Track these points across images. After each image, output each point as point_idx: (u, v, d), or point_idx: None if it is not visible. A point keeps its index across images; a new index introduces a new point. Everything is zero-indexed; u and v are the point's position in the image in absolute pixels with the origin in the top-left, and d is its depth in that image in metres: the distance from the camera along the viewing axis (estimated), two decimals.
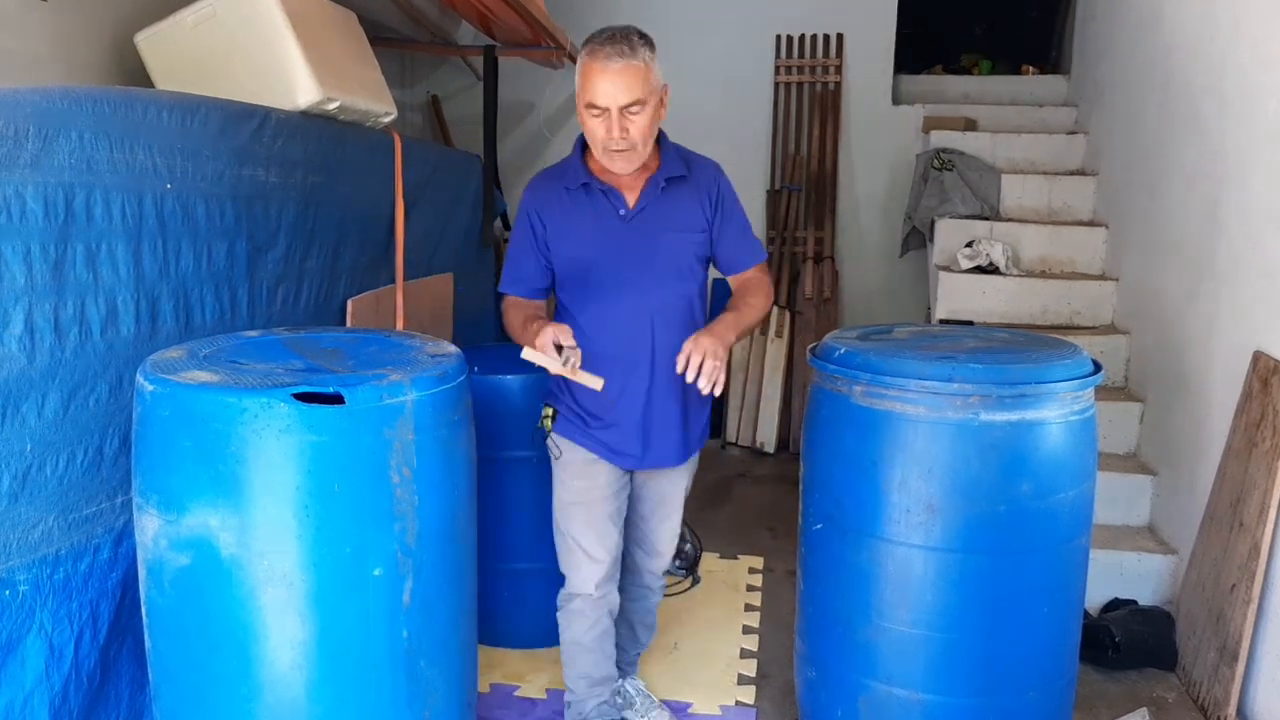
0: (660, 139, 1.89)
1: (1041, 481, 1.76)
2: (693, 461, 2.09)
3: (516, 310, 1.91)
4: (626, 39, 1.73)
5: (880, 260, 4.65)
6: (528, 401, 2.46)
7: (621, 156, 1.78)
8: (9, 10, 2.22)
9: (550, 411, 2.00)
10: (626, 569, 2.15)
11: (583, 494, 1.97)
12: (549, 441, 2.00)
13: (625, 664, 2.28)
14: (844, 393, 1.83)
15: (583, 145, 1.89)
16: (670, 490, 2.08)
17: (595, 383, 1.69)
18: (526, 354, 1.70)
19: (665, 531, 2.12)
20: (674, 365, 1.81)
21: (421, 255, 3.21)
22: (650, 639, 2.31)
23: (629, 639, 2.26)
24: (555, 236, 1.89)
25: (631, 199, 1.88)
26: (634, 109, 1.74)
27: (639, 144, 1.78)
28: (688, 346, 1.73)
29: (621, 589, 2.15)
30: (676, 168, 1.88)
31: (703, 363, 1.69)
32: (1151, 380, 3.00)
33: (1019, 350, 1.86)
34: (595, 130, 1.77)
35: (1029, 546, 1.79)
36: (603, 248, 1.87)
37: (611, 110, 1.73)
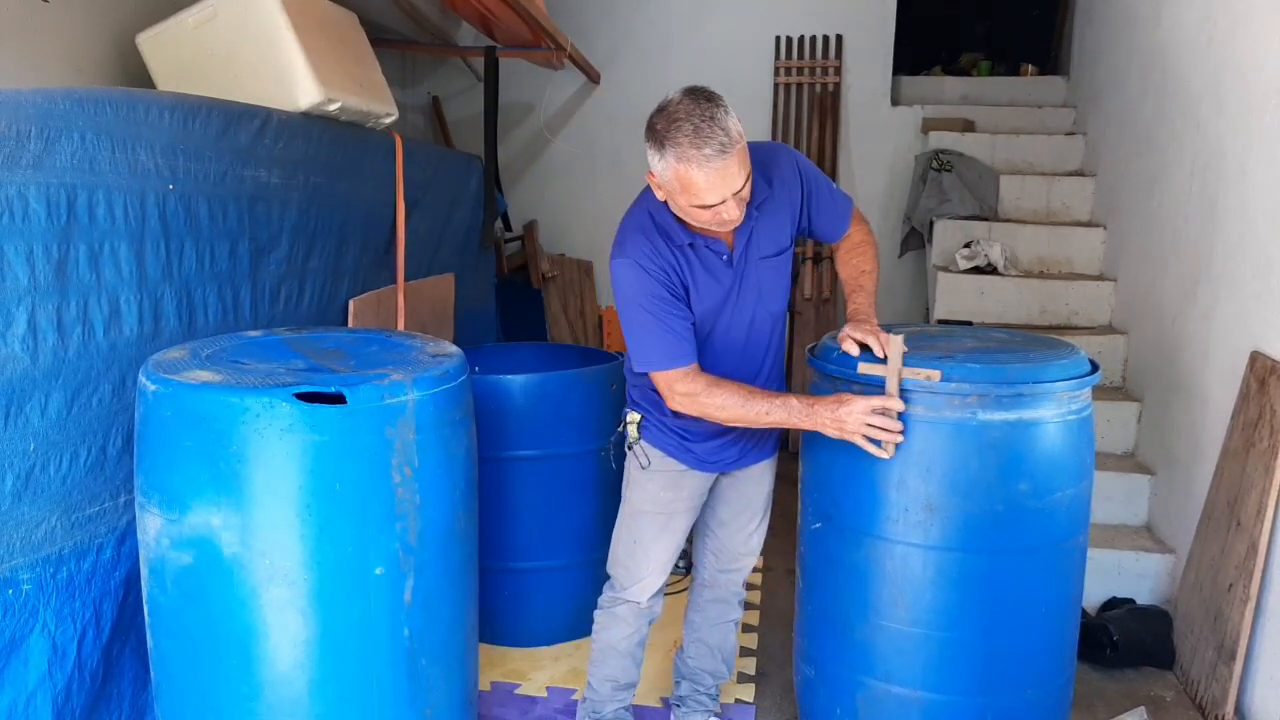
0: None
1: (1039, 481, 1.76)
2: (775, 464, 2.04)
3: (730, 391, 1.70)
4: (715, 121, 1.54)
5: (879, 261, 4.65)
6: (528, 401, 2.47)
7: (732, 223, 1.68)
8: (11, 11, 2.22)
9: (636, 418, 1.93)
10: (700, 584, 2.09)
11: (668, 505, 1.93)
12: (635, 449, 1.94)
13: (706, 696, 2.18)
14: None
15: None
16: (755, 491, 2.02)
17: (934, 374, 1.68)
18: (866, 369, 1.72)
19: (744, 538, 2.04)
20: (774, 372, 1.92)
21: (423, 256, 3.22)
22: (731, 667, 2.19)
23: (708, 668, 2.15)
24: (685, 293, 1.76)
25: (730, 241, 1.78)
26: (745, 185, 1.62)
27: (746, 204, 1.68)
28: (853, 334, 1.79)
29: (698, 608, 2.11)
30: (759, 191, 1.75)
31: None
32: (1149, 380, 3.01)
33: (1016, 350, 1.86)
34: (702, 217, 1.64)
35: (1027, 545, 1.79)
36: (721, 295, 1.78)
37: (727, 198, 1.60)
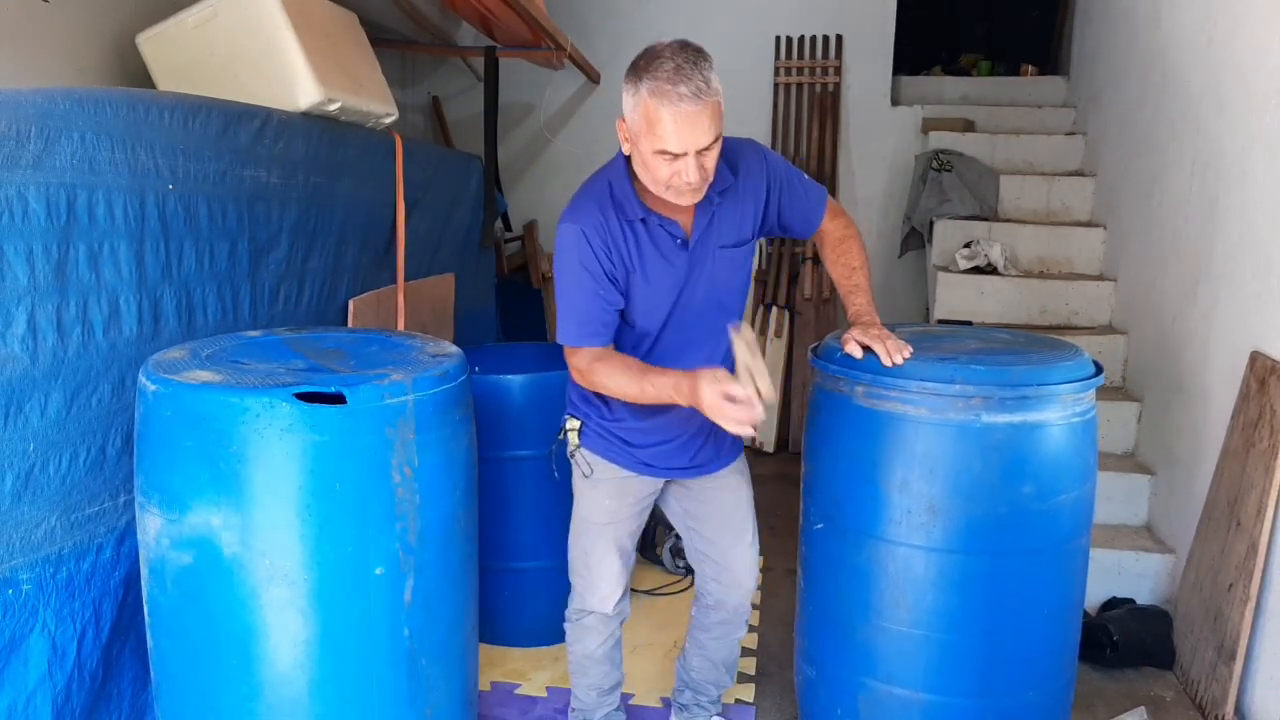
0: None
1: (1043, 483, 1.75)
2: (745, 469, 1.98)
3: (615, 366, 1.68)
4: (697, 68, 1.51)
5: (879, 261, 4.66)
6: (528, 401, 2.47)
7: (690, 193, 1.62)
8: (10, 11, 2.22)
9: (576, 424, 1.87)
10: (706, 606, 2.03)
11: (615, 514, 1.88)
12: (576, 457, 1.88)
13: (708, 702, 2.14)
14: (845, 394, 1.83)
15: (627, 169, 1.70)
16: (733, 504, 1.94)
17: (767, 389, 1.52)
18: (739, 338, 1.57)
19: (740, 554, 1.94)
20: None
21: (423, 256, 3.22)
22: (734, 675, 2.15)
23: (712, 679, 2.11)
24: (626, 273, 1.70)
25: (688, 224, 1.72)
26: (710, 148, 1.57)
27: (709, 179, 1.62)
28: (859, 338, 1.76)
29: (703, 628, 2.05)
30: (724, 178, 1.71)
31: (882, 345, 1.75)
32: (1149, 380, 3.01)
33: (1021, 352, 1.85)
34: (660, 172, 1.58)
35: (1030, 548, 1.78)
36: (671, 280, 1.71)
37: (689, 154, 1.55)
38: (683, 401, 1.61)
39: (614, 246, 1.67)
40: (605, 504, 1.87)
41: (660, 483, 1.92)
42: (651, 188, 1.64)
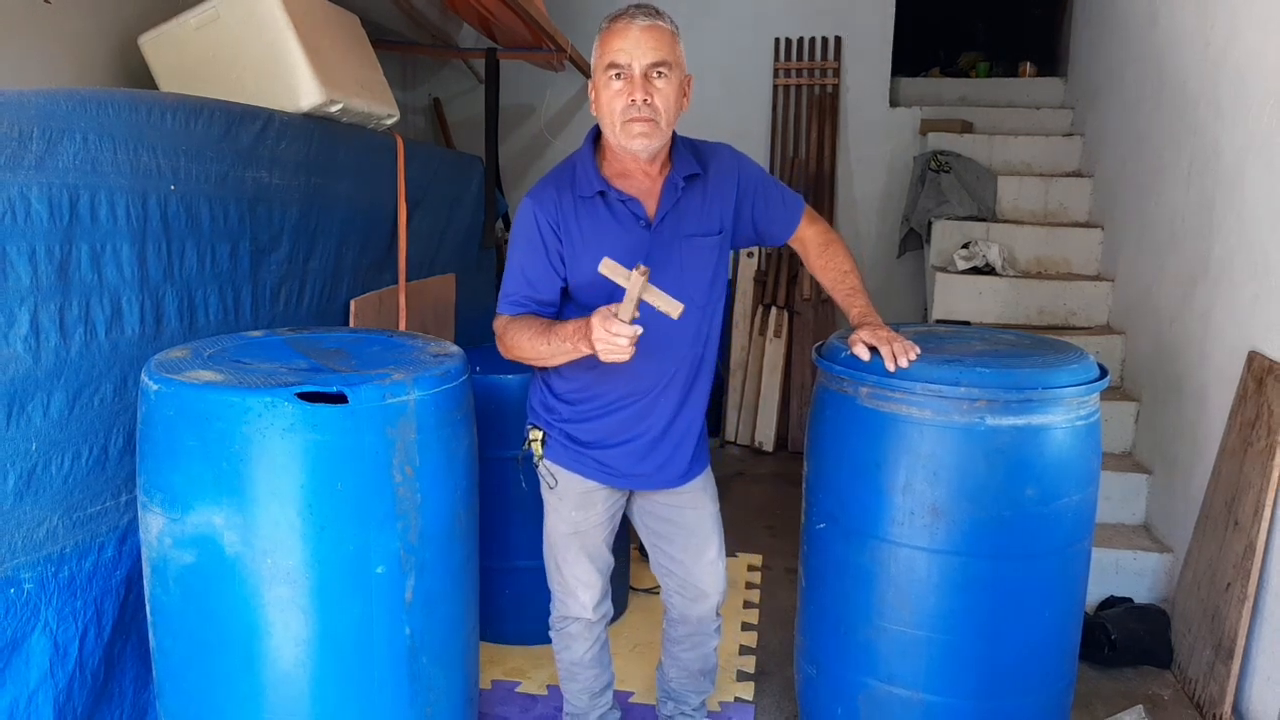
0: (672, 137, 1.73)
1: (1046, 486, 1.75)
2: (710, 483, 1.95)
3: (523, 326, 1.67)
4: (653, 6, 1.64)
5: (878, 261, 4.67)
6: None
7: (643, 129, 1.61)
8: (13, 12, 2.23)
9: (539, 434, 1.85)
10: (672, 619, 2.01)
11: (580, 524, 1.86)
12: (540, 468, 1.86)
13: (691, 710, 2.12)
14: (850, 394, 1.83)
15: (592, 147, 1.74)
16: (696, 520, 1.91)
17: (674, 308, 1.46)
18: (606, 267, 1.48)
19: (704, 569, 1.92)
20: (693, 377, 1.80)
21: (424, 256, 3.22)
22: (714, 681, 2.11)
23: (691, 688, 2.08)
24: (574, 253, 1.69)
25: (651, 207, 1.72)
26: (660, 70, 1.60)
27: (662, 116, 1.62)
28: (867, 340, 1.77)
29: (673, 639, 2.04)
30: (690, 165, 1.73)
31: (889, 348, 1.75)
32: (1147, 380, 3.02)
33: (1025, 354, 1.84)
34: (613, 100, 1.61)
35: (1032, 551, 1.78)
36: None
37: (634, 71, 1.59)
38: (584, 346, 1.54)
39: (563, 224, 1.70)
40: (571, 515, 1.87)
41: (625, 493, 1.91)
42: (610, 130, 1.66)
